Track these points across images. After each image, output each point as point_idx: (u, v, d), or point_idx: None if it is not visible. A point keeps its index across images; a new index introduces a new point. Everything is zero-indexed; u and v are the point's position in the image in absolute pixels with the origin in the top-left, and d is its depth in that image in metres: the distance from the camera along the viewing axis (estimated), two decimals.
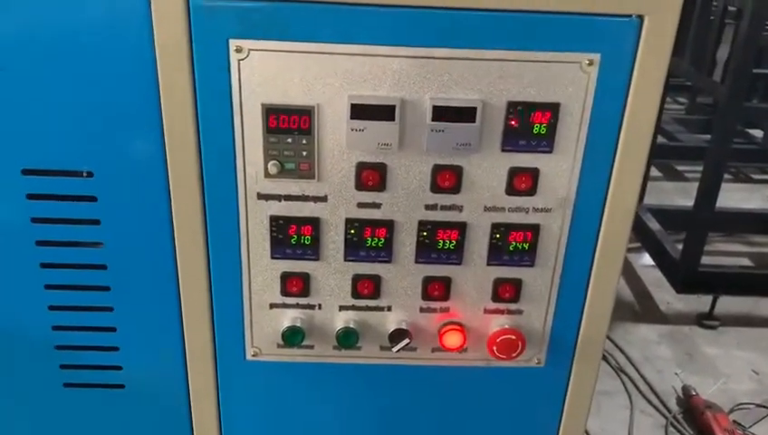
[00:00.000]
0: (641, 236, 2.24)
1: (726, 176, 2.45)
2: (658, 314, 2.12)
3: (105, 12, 0.56)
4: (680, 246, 2.04)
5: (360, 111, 0.59)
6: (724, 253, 2.46)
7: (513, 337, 0.67)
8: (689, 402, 1.67)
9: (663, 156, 2.99)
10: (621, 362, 1.85)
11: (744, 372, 1.86)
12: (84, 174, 0.62)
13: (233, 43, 0.57)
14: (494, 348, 0.68)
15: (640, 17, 0.57)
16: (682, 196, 2.77)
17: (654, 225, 2.21)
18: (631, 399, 1.73)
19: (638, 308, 2.15)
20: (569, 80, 0.59)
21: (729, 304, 2.07)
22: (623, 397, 1.74)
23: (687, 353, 1.94)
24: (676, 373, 1.84)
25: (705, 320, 2.06)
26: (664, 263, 2.13)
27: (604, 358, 1.49)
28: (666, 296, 2.17)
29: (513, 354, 0.68)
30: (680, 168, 3.15)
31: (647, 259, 2.27)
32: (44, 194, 0.63)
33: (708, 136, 2.82)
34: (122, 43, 0.57)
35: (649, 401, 1.73)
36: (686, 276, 2.00)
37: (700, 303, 2.10)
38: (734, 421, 1.62)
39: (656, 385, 1.77)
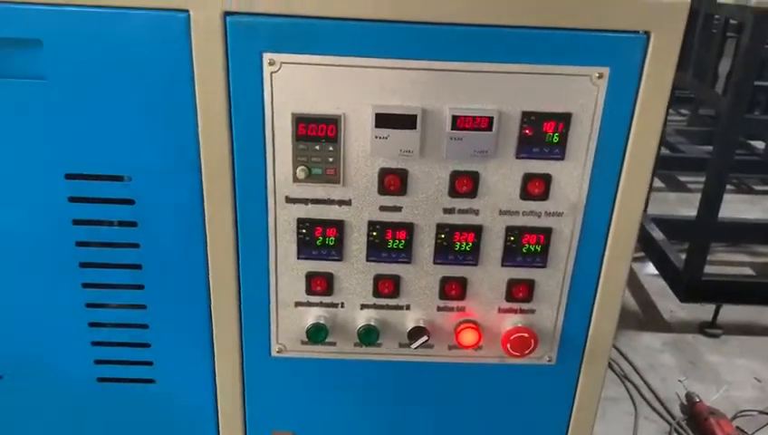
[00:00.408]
0: (645, 245, 2.27)
1: (728, 187, 2.48)
2: (662, 323, 2.15)
3: (148, 27, 0.60)
4: (683, 256, 2.07)
5: (383, 120, 0.63)
6: (727, 262, 2.49)
7: (527, 335, 0.71)
8: (693, 409, 1.69)
9: (666, 167, 3.02)
10: (626, 370, 1.88)
11: (747, 380, 1.88)
12: (124, 178, 0.66)
13: (266, 57, 0.61)
14: (508, 346, 0.71)
15: (647, 33, 0.61)
16: (684, 206, 2.80)
17: (657, 234, 2.24)
18: (635, 405, 1.75)
19: (643, 317, 2.17)
20: (580, 91, 0.63)
21: (732, 312, 2.10)
22: (627, 403, 1.76)
23: (691, 361, 1.97)
24: (680, 380, 1.86)
25: (708, 328, 2.09)
26: (667, 272, 2.16)
27: (609, 365, 1.52)
28: (669, 305, 2.20)
29: (526, 352, 0.72)
30: (682, 178, 3.19)
31: (650, 268, 2.30)
32: (85, 197, 0.66)
33: (710, 147, 2.86)
34: (162, 56, 0.61)
35: (653, 408, 1.75)
36: (689, 285, 2.03)
37: (703, 311, 2.13)
38: (738, 428, 1.64)
39: (660, 392, 1.80)
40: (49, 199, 0.66)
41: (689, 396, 1.73)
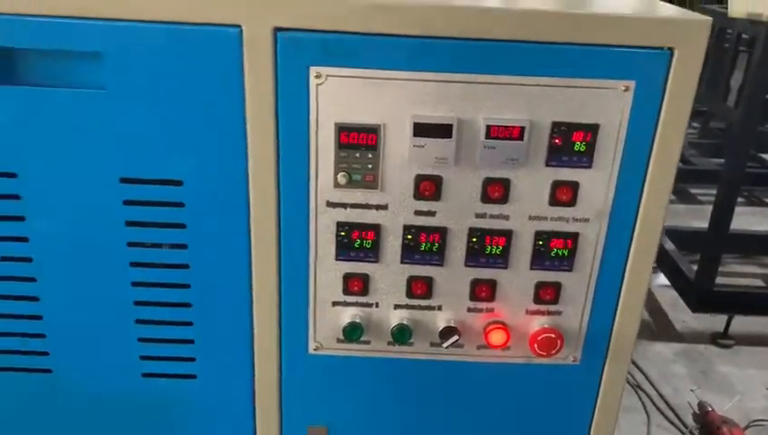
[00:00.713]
0: (657, 256, 2.28)
1: (739, 199, 2.50)
2: (674, 333, 2.17)
3: (202, 41, 0.64)
4: (695, 267, 2.09)
5: (421, 129, 0.67)
6: (738, 274, 2.51)
7: (553, 336, 0.74)
8: (705, 418, 1.71)
9: (676, 179, 3.04)
10: (638, 379, 1.90)
11: (759, 391, 1.90)
12: (175, 183, 0.70)
13: (313, 70, 0.65)
14: (536, 346, 0.75)
15: (671, 49, 0.65)
16: (695, 218, 2.82)
17: (669, 246, 2.27)
18: (648, 415, 1.77)
19: (654, 327, 2.20)
20: (607, 103, 0.66)
21: (744, 323, 2.12)
22: (640, 413, 1.79)
23: (702, 371, 1.99)
24: (692, 390, 1.88)
25: (720, 339, 2.11)
26: (679, 283, 2.18)
27: None
28: (681, 316, 2.22)
29: (553, 352, 0.75)
30: (693, 190, 3.21)
31: (662, 279, 2.33)
32: (138, 200, 0.70)
33: (720, 160, 2.89)
34: (215, 68, 0.65)
35: (666, 417, 1.77)
36: (700, 296, 2.05)
37: (715, 322, 2.15)
38: None
39: (672, 402, 1.82)
40: (104, 202, 0.70)
41: (702, 405, 1.75)
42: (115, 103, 0.66)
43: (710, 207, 2.08)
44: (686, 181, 3.11)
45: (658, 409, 1.80)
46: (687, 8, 0.76)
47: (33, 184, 0.70)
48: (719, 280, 2.07)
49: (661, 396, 1.84)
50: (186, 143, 0.68)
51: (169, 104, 0.66)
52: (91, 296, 0.75)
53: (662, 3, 0.75)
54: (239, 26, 0.64)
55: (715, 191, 2.07)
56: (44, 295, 0.75)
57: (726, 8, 1.92)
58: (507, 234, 0.72)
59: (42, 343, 0.77)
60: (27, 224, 0.71)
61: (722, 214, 2.00)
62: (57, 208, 0.71)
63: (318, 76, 0.66)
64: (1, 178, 0.69)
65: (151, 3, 0.63)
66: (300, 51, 0.65)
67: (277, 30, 0.64)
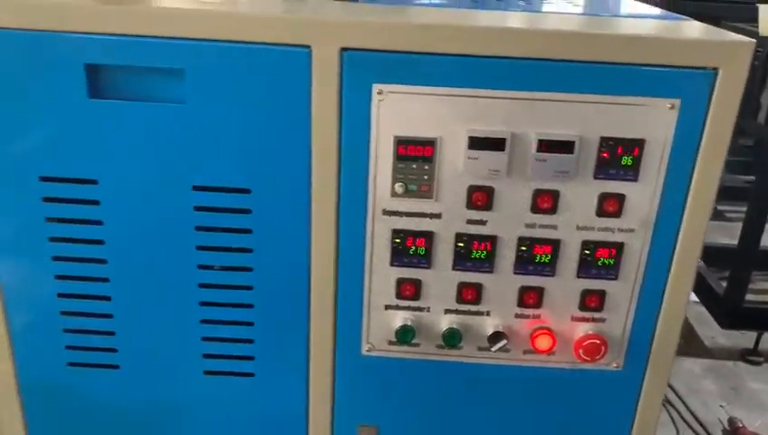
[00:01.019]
0: None
1: None
2: (703, 349, 2.17)
3: (275, 60, 0.69)
4: (724, 284, 2.10)
5: (476, 143, 0.71)
6: None
7: (598, 342, 0.77)
8: (735, 434, 1.71)
9: None
10: (668, 395, 1.91)
11: None
12: (243, 191, 0.74)
13: (375, 87, 0.70)
14: (581, 351, 0.78)
15: (715, 69, 0.68)
16: (724, 235, 2.82)
17: (698, 262, 2.26)
18: (678, 430, 1.78)
19: (683, 343, 2.19)
20: (653, 120, 0.70)
21: None
22: (670, 428, 1.79)
23: (732, 388, 1.98)
24: (722, 406, 1.88)
25: (750, 356, 2.10)
26: (708, 299, 2.19)
27: None
28: (710, 332, 2.22)
29: (597, 358, 0.78)
30: (722, 207, 3.20)
31: (691, 296, 2.32)
32: (208, 207, 0.75)
33: (748, 177, 2.88)
34: (286, 85, 0.70)
35: (696, 432, 1.77)
36: (730, 313, 2.06)
37: (744, 339, 2.15)
38: None
39: (701, 417, 1.82)
40: (176, 208, 0.75)
41: (732, 421, 1.76)
42: (193, 116, 0.71)
43: (739, 225, 2.08)
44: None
45: (688, 424, 1.80)
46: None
47: (111, 190, 0.75)
48: (749, 297, 2.07)
49: (690, 411, 1.84)
50: (255, 153, 0.73)
51: (242, 117, 0.71)
52: (160, 297, 0.80)
53: (704, 24, 0.78)
54: (309, 47, 0.69)
55: (743, 208, 2.07)
56: (116, 295, 0.80)
57: (757, 27, 1.94)
58: (555, 243, 0.75)
59: (111, 340, 0.82)
60: (104, 228, 0.77)
61: (752, 231, 2.01)
62: (132, 213, 0.76)
63: (380, 93, 0.70)
64: (83, 184, 0.75)
65: (231, 24, 0.68)
66: (363, 69, 0.70)
67: (343, 50, 0.69)
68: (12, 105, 0.71)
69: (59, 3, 0.69)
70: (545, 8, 0.92)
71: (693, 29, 0.76)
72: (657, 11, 0.90)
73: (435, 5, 0.88)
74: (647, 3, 1.03)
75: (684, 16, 0.84)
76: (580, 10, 0.91)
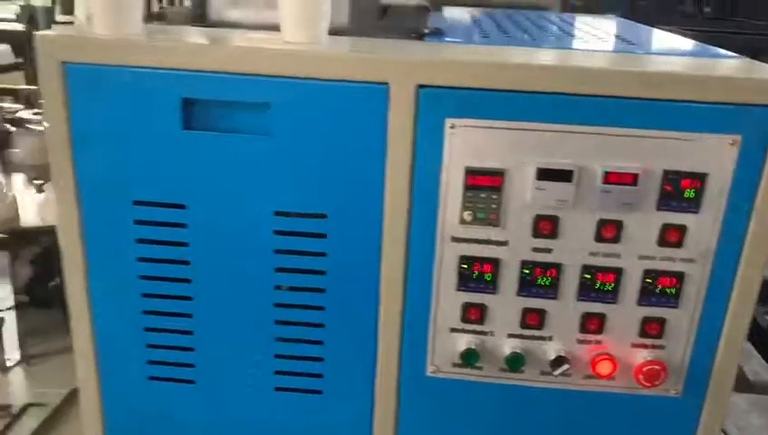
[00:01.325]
0: None
1: None
2: (747, 384, 2.14)
3: (355, 96, 0.74)
4: None
5: (544, 174, 0.75)
6: None
7: (658, 367, 0.79)
8: None
9: None
10: None
11: None
12: (320, 216, 0.79)
13: (448, 122, 0.75)
14: (641, 377, 0.80)
15: None
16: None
17: None
18: None
19: None
20: (715, 155, 0.73)
21: None
22: None
23: None
24: None
25: None
26: (752, 333, 2.16)
27: None
28: (755, 367, 2.19)
29: (657, 383, 0.80)
30: None
31: None
32: (287, 231, 0.80)
33: None
34: (364, 119, 0.75)
35: None
36: None
37: None
38: None
39: None
40: (257, 232, 0.80)
41: None
42: (277, 147, 0.77)
43: None
44: None
45: None
46: None
47: (198, 214, 0.80)
48: None
49: None
50: (332, 181, 0.78)
51: (322, 148, 0.77)
52: (237, 315, 0.84)
53: (761, 63, 0.81)
54: (387, 84, 0.74)
55: None
56: (197, 313, 0.85)
57: None
58: (618, 271, 0.78)
59: (190, 356, 0.87)
60: (190, 249, 0.82)
61: None
62: (216, 236, 0.81)
63: (452, 126, 0.75)
64: (172, 208, 0.80)
65: (314, 63, 0.74)
66: (438, 105, 0.74)
67: (420, 86, 0.74)
68: (113, 135, 0.78)
69: (158, 45, 0.76)
70: (600, 46, 0.96)
71: (753, 69, 0.79)
72: (714, 50, 0.93)
73: (494, 44, 0.92)
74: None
75: (736, 54, 0.88)
76: (633, 48, 0.95)
